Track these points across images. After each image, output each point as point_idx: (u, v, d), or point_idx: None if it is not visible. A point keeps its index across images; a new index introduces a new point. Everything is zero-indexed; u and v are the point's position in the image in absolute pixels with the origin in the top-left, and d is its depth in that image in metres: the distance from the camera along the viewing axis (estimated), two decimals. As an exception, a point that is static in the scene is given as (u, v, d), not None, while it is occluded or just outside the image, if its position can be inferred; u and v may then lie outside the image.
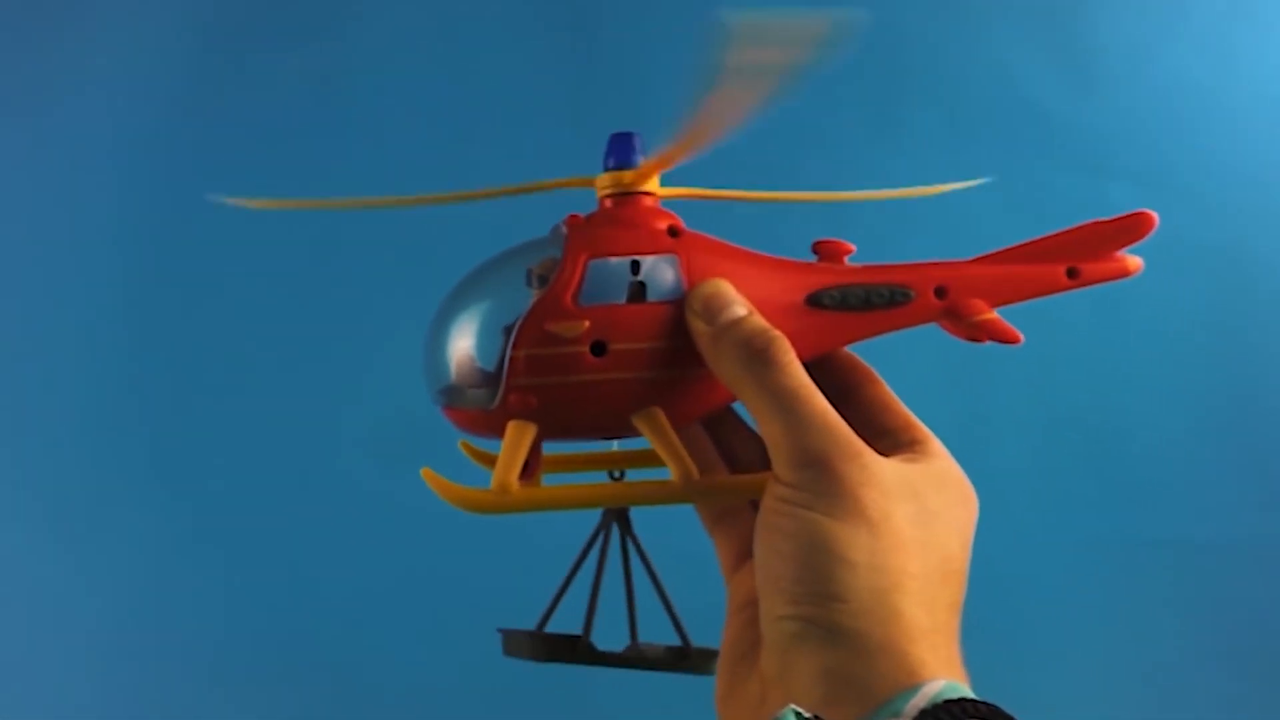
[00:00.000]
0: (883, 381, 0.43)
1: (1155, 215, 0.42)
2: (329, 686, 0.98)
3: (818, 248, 0.43)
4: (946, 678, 0.34)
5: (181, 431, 1.02)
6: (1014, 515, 1.03)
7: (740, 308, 0.39)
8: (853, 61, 1.07)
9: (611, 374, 0.39)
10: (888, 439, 0.40)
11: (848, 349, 0.43)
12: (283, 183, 1.02)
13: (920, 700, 0.33)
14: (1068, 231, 0.43)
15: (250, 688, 0.99)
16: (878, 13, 1.06)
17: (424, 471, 0.41)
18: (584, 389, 0.39)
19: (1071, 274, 0.43)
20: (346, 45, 1.05)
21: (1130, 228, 0.42)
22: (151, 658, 1.00)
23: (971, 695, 0.34)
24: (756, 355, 0.37)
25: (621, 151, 0.42)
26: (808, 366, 0.42)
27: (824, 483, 0.35)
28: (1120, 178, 1.05)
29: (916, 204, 1.05)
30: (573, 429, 0.41)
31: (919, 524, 0.36)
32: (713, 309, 0.39)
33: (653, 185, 0.42)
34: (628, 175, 0.42)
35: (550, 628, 0.44)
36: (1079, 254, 0.43)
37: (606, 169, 0.43)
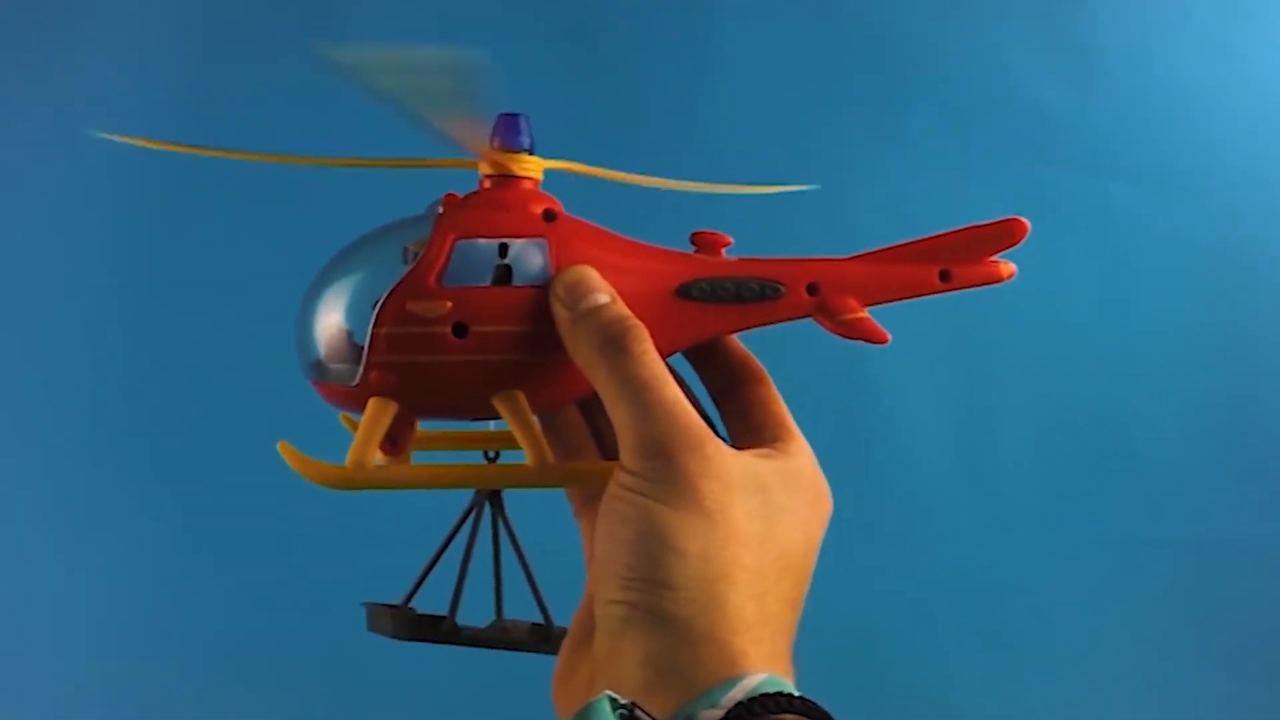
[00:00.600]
0: (769, 380, 0.43)
1: (1027, 222, 0.42)
2: (328, 686, 0.98)
3: (695, 239, 0.43)
4: (768, 671, 0.34)
5: (180, 432, 1.02)
6: (1015, 515, 1.03)
7: (602, 295, 0.39)
8: (854, 61, 1.08)
9: (472, 355, 0.39)
10: (757, 434, 0.41)
11: (742, 345, 0.44)
12: (280, 182, 1.02)
13: (738, 693, 0.33)
14: (943, 235, 0.43)
15: (249, 687, 0.99)
16: (879, 12, 1.07)
17: (280, 445, 0.41)
18: (444, 369, 0.39)
19: (944, 277, 0.43)
20: (342, 42, 1.05)
21: (1003, 234, 0.42)
22: (150, 657, 1.00)
23: (791, 690, 0.34)
24: (611, 343, 0.38)
25: (505, 133, 0.42)
26: (693, 358, 0.43)
27: (664, 472, 0.35)
28: (1121, 177, 1.05)
29: (918, 204, 1.05)
30: (434, 408, 0.41)
31: (760, 518, 0.36)
32: (575, 295, 0.39)
33: (534, 168, 0.42)
34: (506, 157, 0.41)
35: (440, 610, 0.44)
36: (952, 257, 0.43)
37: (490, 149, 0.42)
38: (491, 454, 0.44)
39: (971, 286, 0.43)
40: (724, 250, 0.43)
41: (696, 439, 0.36)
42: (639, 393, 0.37)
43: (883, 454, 1.03)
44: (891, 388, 1.03)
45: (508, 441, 0.44)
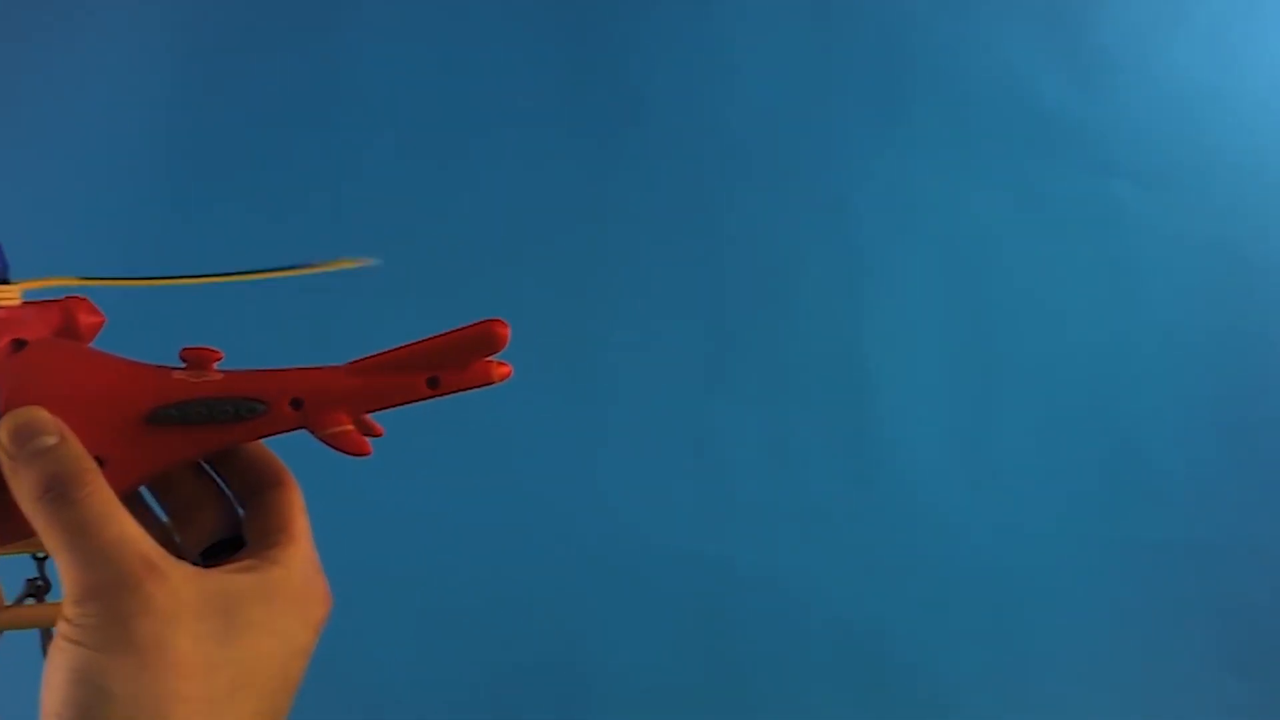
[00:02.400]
0: (288, 483, 0.43)
1: (508, 330, 0.42)
2: (326, 687, 0.98)
3: (183, 355, 0.42)
4: None
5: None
6: (1018, 515, 1.03)
7: (49, 437, 0.38)
8: (857, 60, 1.08)
9: None
10: (261, 540, 0.41)
11: (266, 449, 0.43)
12: (277, 182, 1.02)
13: None
14: (429, 341, 0.42)
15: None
16: (880, 10, 1.06)
17: None
18: None
19: (432, 383, 0.42)
20: (343, 45, 1.04)
21: (486, 340, 0.42)
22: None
23: None
24: (51, 489, 0.37)
25: None
26: (214, 464, 0.43)
27: (97, 616, 0.36)
28: (1124, 176, 1.05)
29: (920, 204, 1.05)
30: None
31: (214, 641, 0.37)
32: (19, 439, 0.38)
33: (10, 295, 0.42)
34: None
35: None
36: (439, 364, 0.42)
37: None
38: (42, 554, 0.44)
39: (462, 390, 0.42)
40: (215, 364, 0.42)
41: (133, 579, 0.36)
42: (75, 539, 0.36)
43: (885, 453, 1.03)
44: (893, 387, 1.03)
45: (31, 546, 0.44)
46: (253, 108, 1.03)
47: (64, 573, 0.36)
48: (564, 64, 1.05)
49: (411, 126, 1.03)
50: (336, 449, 0.41)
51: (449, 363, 0.42)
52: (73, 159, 1.04)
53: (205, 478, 0.43)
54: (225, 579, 0.38)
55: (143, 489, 0.42)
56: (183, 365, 0.42)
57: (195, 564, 0.39)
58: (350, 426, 0.41)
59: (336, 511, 0.99)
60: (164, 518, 0.44)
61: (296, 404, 0.41)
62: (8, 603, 0.43)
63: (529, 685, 0.96)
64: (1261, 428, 1.05)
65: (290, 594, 0.39)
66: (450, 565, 0.98)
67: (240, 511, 0.43)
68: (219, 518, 0.43)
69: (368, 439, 0.42)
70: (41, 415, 0.39)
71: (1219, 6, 1.07)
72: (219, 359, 0.42)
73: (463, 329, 0.42)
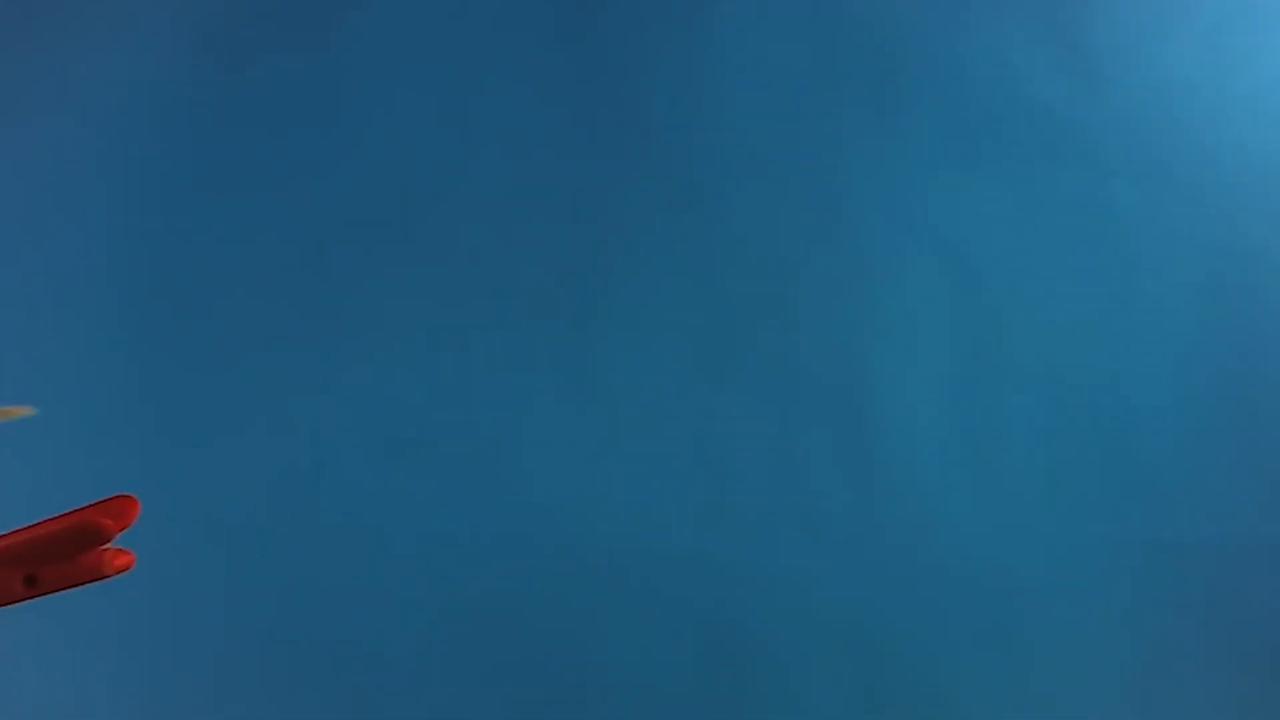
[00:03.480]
0: None
1: (120, 520, 0.37)
2: (327, 688, 0.98)
3: None
4: None
5: (181, 435, 1.01)
6: (1018, 514, 1.03)
7: None
8: (855, 60, 1.08)
9: None
10: None
11: None
12: (278, 181, 1.01)
13: None
14: (23, 533, 0.37)
15: (247, 689, 0.98)
16: (879, 10, 1.06)
17: None
18: None
19: (30, 582, 0.37)
20: (344, 44, 1.04)
21: (86, 534, 0.36)
22: (149, 659, 0.99)
23: None
24: None
25: None
26: None
27: None
28: (1122, 175, 1.05)
29: (920, 203, 1.05)
30: None
31: None
32: None
33: None
34: None
35: None
36: (36, 561, 0.37)
37: None
38: None
39: (68, 588, 0.37)
40: None
41: None
42: None
43: (885, 453, 1.02)
44: (893, 387, 1.03)
45: None
46: (248, 110, 1.03)
47: None
48: (563, 64, 1.05)
49: (411, 127, 1.03)
50: None
51: (50, 558, 0.37)
52: (76, 158, 1.04)
53: None
54: None
55: None
56: None
57: None
58: None
59: (336, 512, 0.99)
60: None
61: None
62: None
63: (527, 686, 0.96)
64: (1261, 427, 1.05)
65: None
66: (449, 566, 0.98)
67: None
68: None
69: None
70: None
71: (1219, 6, 1.07)
72: None
73: (60, 519, 0.37)
